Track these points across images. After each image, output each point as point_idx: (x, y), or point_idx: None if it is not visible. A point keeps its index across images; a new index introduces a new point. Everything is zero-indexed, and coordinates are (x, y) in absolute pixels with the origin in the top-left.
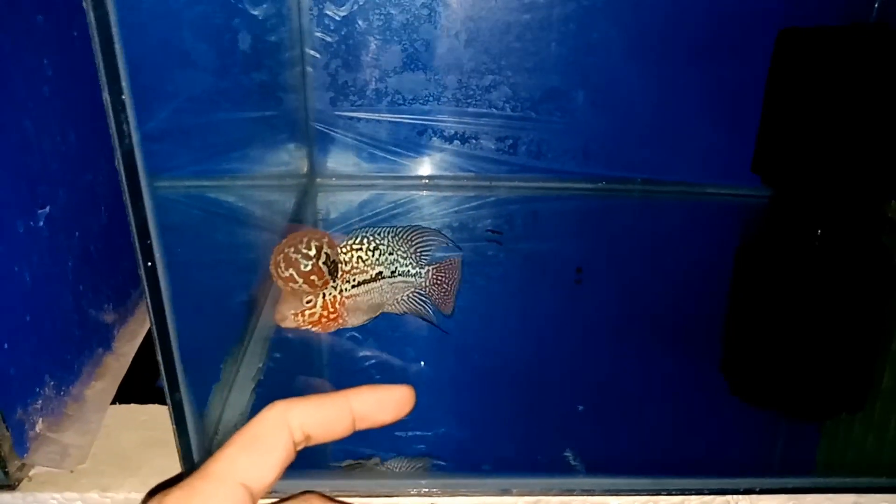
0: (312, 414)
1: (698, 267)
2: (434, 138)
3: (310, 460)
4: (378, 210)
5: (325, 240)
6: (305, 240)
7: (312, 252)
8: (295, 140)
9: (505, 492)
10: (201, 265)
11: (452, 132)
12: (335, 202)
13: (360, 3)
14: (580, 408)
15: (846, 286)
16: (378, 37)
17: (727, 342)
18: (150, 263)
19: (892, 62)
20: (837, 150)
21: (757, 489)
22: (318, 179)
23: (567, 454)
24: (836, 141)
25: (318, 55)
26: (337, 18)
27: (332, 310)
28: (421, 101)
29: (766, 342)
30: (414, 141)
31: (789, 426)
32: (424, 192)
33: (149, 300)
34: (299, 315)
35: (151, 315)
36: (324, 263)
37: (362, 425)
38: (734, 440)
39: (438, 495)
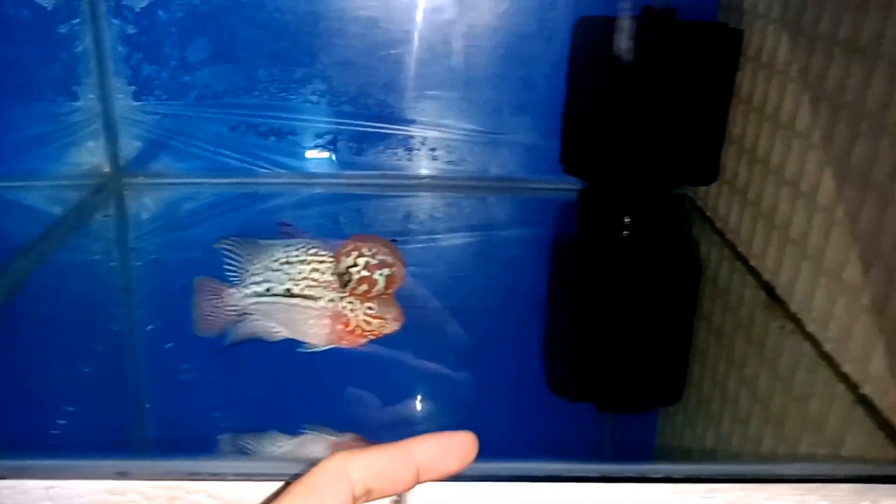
0: (374, 466)
1: (516, 261)
2: (248, 134)
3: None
4: (192, 209)
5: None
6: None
7: None
8: (93, 137)
9: (121, 475)
10: None
11: (268, 128)
12: (144, 201)
13: None
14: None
15: (651, 275)
16: (181, 28)
17: (536, 333)
18: None
19: (677, 47)
20: (632, 137)
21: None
22: (124, 178)
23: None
24: (631, 128)
25: (119, 48)
26: (136, 10)
27: None
28: (232, 95)
29: (576, 333)
30: (226, 136)
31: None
32: (239, 191)
33: None
34: None
35: None
36: None
37: (426, 476)
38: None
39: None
